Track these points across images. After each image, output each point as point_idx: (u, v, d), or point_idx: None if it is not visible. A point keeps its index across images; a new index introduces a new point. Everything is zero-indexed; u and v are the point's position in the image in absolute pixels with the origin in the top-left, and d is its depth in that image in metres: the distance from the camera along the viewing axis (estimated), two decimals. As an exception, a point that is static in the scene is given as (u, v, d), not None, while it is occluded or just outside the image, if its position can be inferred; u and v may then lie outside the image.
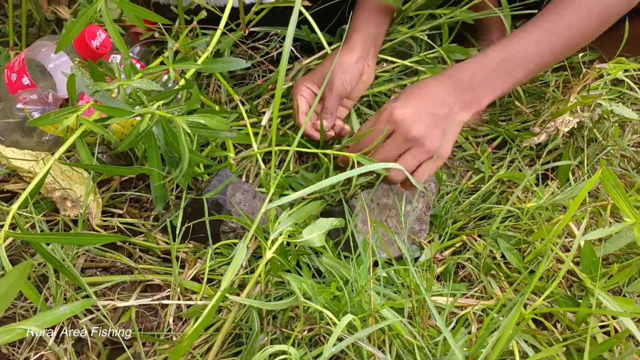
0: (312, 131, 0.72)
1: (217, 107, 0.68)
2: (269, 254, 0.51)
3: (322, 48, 0.83)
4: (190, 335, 0.41)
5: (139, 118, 0.56)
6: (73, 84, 0.53)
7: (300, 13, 0.76)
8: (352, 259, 0.54)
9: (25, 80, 0.73)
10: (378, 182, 0.66)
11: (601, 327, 0.61)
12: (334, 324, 0.45)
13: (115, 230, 0.68)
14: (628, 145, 0.86)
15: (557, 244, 0.62)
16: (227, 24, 0.77)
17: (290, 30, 0.42)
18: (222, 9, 0.76)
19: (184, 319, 0.59)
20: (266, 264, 0.55)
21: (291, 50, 0.80)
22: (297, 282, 0.50)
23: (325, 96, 0.72)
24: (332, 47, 0.80)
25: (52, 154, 0.71)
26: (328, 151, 0.61)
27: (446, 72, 0.64)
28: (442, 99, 0.61)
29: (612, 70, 0.70)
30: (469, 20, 0.80)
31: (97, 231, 0.66)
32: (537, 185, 0.73)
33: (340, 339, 0.45)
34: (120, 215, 0.71)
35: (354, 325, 0.46)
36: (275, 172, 0.73)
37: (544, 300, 0.61)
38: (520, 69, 0.62)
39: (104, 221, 0.68)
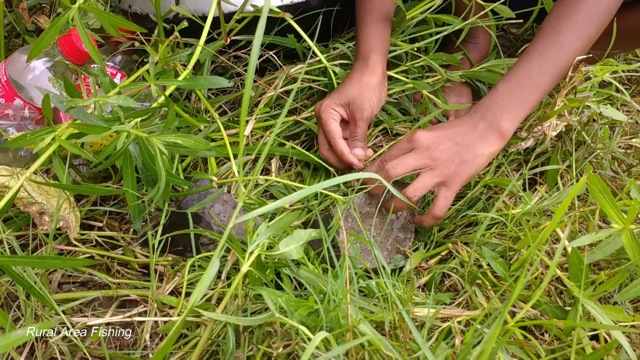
0: (353, 159, 0.69)
1: (201, 126, 0.67)
2: (244, 268, 0.50)
3: (305, 56, 0.82)
4: (155, 355, 0.39)
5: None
6: (48, 103, 0.52)
7: (284, 20, 0.74)
8: (330, 271, 0.52)
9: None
10: (354, 191, 0.65)
11: (593, 336, 0.59)
12: (309, 340, 0.43)
13: (94, 243, 0.67)
14: (619, 147, 0.84)
15: (544, 251, 0.61)
16: (208, 33, 0.76)
17: (257, 40, 0.41)
18: (203, 18, 0.75)
19: (161, 335, 0.57)
20: (245, 277, 0.54)
21: (274, 58, 0.79)
22: (272, 297, 0.48)
23: (357, 122, 0.70)
24: (325, 55, 0.79)
25: (28, 169, 0.69)
26: (354, 175, 0.49)
27: (467, 112, 0.67)
28: (463, 131, 0.64)
29: (598, 72, 0.68)
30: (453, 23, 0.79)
31: (75, 245, 0.65)
32: (525, 190, 0.72)
33: (316, 356, 0.44)
34: (100, 229, 0.69)
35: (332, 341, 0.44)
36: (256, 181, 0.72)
37: (533, 309, 0.60)
38: (532, 93, 0.64)
39: (82, 235, 0.66)
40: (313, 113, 0.78)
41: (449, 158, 0.62)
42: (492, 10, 0.74)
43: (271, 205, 0.44)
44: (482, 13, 0.74)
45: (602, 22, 0.66)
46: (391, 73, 0.78)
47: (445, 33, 0.79)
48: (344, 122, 0.73)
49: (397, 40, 0.80)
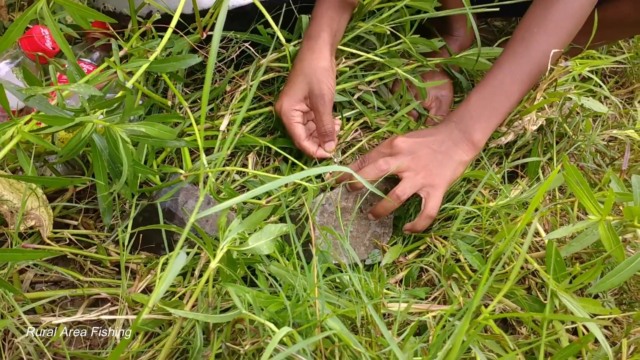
0: (323, 153, 0.71)
1: (169, 103, 0.66)
2: (213, 263, 0.49)
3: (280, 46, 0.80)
4: (112, 354, 0.38)
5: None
6: (3, 93, 0.51)
7: (262, 15, 0.73)
8: (299, 267, 0.51)
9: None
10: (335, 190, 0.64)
11: (573, 330, 0.59)
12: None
13: (68, 242, 0.66)
14: (602, 139, 0.84)
15: (521, 243, 0.60)
16: (184, 28, 0.75)
17: (219, 24, 0.40)
18: (180, 14, 0.74)
19: (132, 334, 0.56)
20: (217, 273, 0.53)
21: (250, 50, 0.78)
22: (240, 293, 0.47)
23: (320, 111, 0.70)
24: (292, 44, 0.78)
25: (-1, 166, 0.68)
26: (329, 168, 0.55)
27: (443, 120, 0.69)
28: (440, 139, 0.65)
29: (576, 67, 0.68)
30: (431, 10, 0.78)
31: (48, 244, 0.64)
32: (504, 183, 0.71)
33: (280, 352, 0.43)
34: (75, 227, 0.68)
35: (301, 336, 0.44)
36: (231, 178, 0.71)
37: (512, 303, 0.59)
38: (504, 101, 0.66)
39: (56, 233, 0.65)
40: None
41: (429, 162, 0.63)
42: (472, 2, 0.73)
43: (239, 198, 0.43)
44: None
45: (574, 25, 0.66)
46: (370, 55, 0.77)
47: (422, 15, 0.77)
48: (307, 113, 0.73)
49: (376, 25, 0.79)
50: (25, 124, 0.55)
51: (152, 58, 0.62)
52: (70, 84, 0.53)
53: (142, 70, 0.60)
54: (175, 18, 0.63)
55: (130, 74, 0.63)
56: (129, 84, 0.59)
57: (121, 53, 0.65)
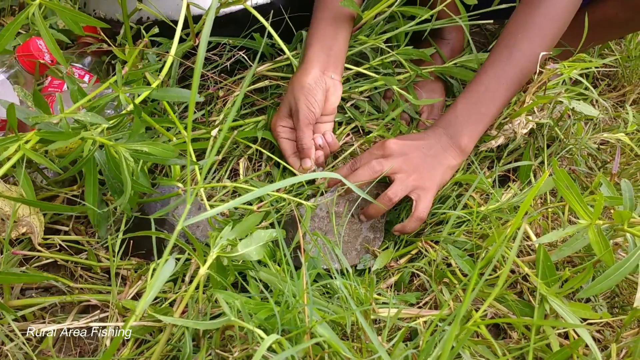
0: (304, 172, 0.71)
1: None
2: (202, 270, 0.49)
3: (276, 55, 0.81)
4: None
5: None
6: (13, 114, 0.51)
7: (254, 22, 0.73)
8: (287, 272, 0.51)
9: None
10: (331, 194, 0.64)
11: (566, 334, 0.59)
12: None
13: (58, 248, 0.65)
14: (594, 143, 0.84)
15: (512, 247, 0.60)
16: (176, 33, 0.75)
17: (205, 34, 0.40)
18: (173, 21, 0.74)
19: (122, 341, 0.56)
20: (208, 279, 0.53)
21: (243, 58, 0.78)
22: (230, 300, 0.47)
23: (295, 127, 0.70)
24: (292, 52, 0.78)
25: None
26: (320, 174, 0.55)
27: (432, 126, 0.70)
28: (429, 142, 0.66)
29: (565, 70, 0.68)
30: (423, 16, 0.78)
31: (39, 250, 0.64)
32: (494, 187, 0.71)
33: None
34: (66, 233, 0.68)
35: (290, 343, 0.44)
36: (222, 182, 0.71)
37: (504, 308, 0.59)
38: (490, 106, 0.66)
39: (46, 239, 0.65)
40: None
41: (420, 165, 0.64)
42: (461, 2, 0.73)
43: (229, 204, 0.43)
44: (448, 1, 0.73)
45: (558, 28, 0.67)
46: (360, 69, 0.77)
47: (414, 27, 0.77)
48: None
49: (369, 39, 0.79)
50: (26, 142, 0.55)
51: (154, 85, 0.61)
52: (77, 112, 0.53)
53: (143, 97, 0.60)
54: (176, 40, 0.63)
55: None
56: (130, 107, 0.59)
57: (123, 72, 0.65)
